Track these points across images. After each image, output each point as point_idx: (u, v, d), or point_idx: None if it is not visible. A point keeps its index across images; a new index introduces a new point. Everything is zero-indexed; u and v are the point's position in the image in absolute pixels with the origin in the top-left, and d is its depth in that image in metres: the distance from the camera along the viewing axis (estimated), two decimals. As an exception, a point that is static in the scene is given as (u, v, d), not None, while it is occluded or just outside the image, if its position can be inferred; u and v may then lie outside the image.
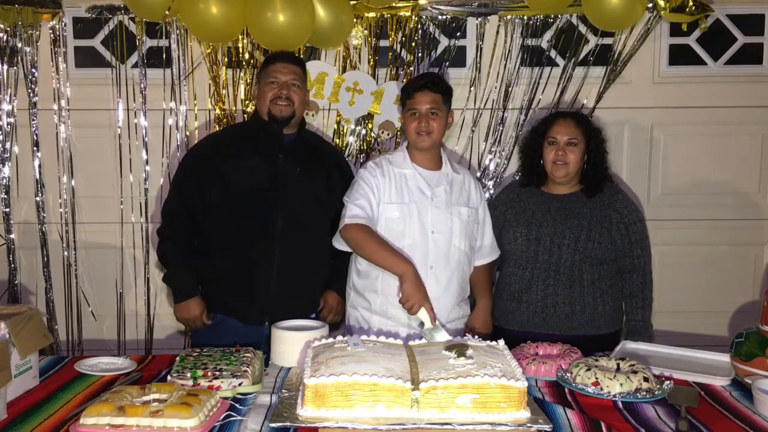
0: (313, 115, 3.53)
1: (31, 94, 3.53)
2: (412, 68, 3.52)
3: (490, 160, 3.59)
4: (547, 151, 2.80)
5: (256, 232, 2.73)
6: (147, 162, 3.58)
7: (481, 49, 3.55)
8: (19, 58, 3.50)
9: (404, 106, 2.73)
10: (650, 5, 3.40)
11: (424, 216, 2.68)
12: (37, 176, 3.59)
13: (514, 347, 2.33)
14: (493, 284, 2.96)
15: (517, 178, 3.10)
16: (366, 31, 3.50)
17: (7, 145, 3.56)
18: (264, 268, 2.74)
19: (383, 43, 3.53)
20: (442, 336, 2.30)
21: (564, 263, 2.75)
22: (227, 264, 2.76)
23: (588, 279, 2.76)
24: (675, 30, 3.58)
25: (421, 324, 2.38)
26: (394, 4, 3.41)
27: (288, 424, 1.77)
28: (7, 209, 3.59)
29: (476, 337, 2.17)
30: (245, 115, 3.48)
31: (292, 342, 2.29)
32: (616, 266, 2.83)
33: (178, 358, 2.17)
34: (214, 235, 2.78)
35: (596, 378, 2.04)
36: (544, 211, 2.81)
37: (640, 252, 2.81)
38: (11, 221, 3.60)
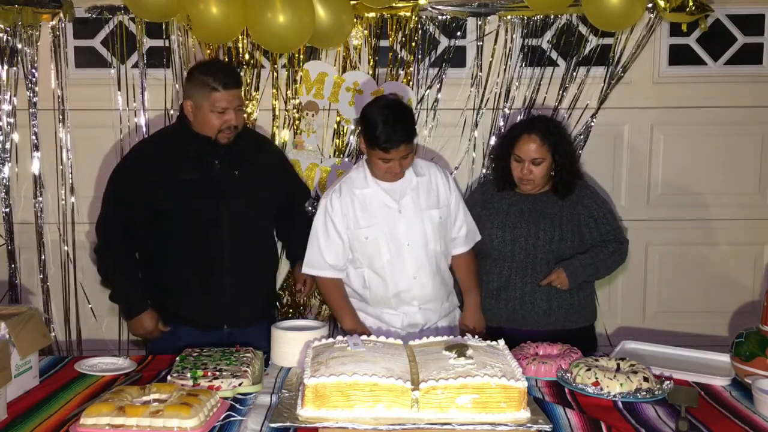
0: (313, 116, 3.53)
1: (31, 94, 3.53)
2: (412, 68, 3.52)
3: (491, 160, 3.59)
4: (514, 166, 2.81)
5: (204, 241, 2.69)
6: (147, 162, 3.58)
7: (481, 49, 3.55)
8: (19, 58, 3.50)
9: (370, 147, 2.58)
10: (650, 5, 3.40)
11: (395, 231, 2.67)
12: (37, 176, 3.59)
13: (514, 347, 2.33)
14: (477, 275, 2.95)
15: (489, 175, 3.09)
16: (366, 31, 3.50)
17: (7, 145, 3.56)
18: (217, 274, 2.70)
19: (383, 43, 3.53)
20: None
21: (540, 262, 2.79)
22: (178, 275, 2.71)
23: None
24: (675, 30, 3.58)
25: None
26: (394, 4, 3.41)
27: (288, 424, 1.77)
28: (7, 209, 3.59)
29: (476, 336, 2.17)
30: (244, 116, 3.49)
31: (292, 342, 2.29)
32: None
33: (178, 358, 2.17)
34: (160, 248, 2.72)
35: (596, 378, 2.04)
36: (517, 212, 2.84)
37: (613, 237, 2.83)
38: (11, 221, 3.60)
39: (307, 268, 2.71)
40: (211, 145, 2.68)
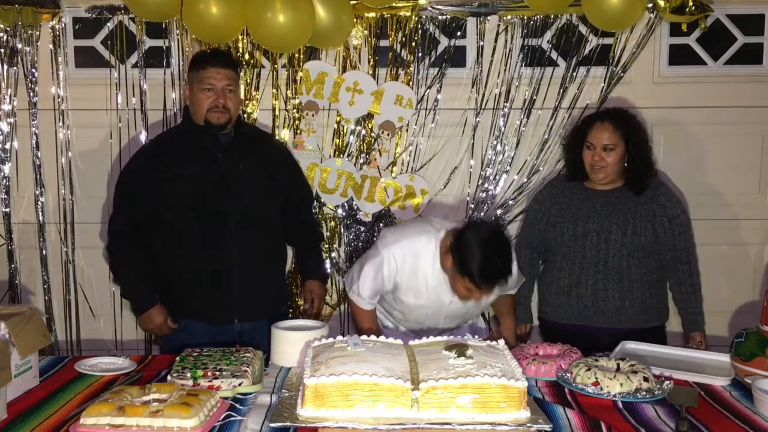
0: (313, 115, 3.53)
1: (31, 94, 3.53)
2: (412, 68, 3.52)
3: (492, 160, 3.59)
4: (586, 154, 2.82)
5: (211, 234, 2.72)
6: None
7: (481, 49, 3.55)
8: (19, 58, 3.50)
9: (460, 274, 2.43)
10: (650, 5, 3.40)
11: (439, 310, 2.66)
12: (37, 176, 3.59)
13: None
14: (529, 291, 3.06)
15: (561, 173, 3.11)
16: (366, 31, 3.50)
17: (7, 145, 3.56)
18: (225, 268, 2.73)
19: (383, 43, 3.53)
20: None
21: (612, 258, 2.79)
22: (187, 270, 2.74)
23: (636, 273, 2.81)
24: (675, 30, 3.58)
25: None
26: (394, 4, 3.40)
27: (288, 424, 1.77)
28: (7, 209, 3.59)
29: (476, 336, 2.17)
30: (244, 115, 3.49)
31: (292, 342, 2.29)
32: (662, 259, 2.86)
33: (178, 358, 2.17)
34: (169, 244, 2.75)
35: (596, 378, 2.04)
36: (589, 207, 2.84)
37: (684, 244, 2.85)
38: (11, 221, 3.60)
39: (351, 294, 2.72)
40: (214, 138, 2.72)
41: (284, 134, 3.55)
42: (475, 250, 2.38)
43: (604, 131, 2.77)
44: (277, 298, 2.96)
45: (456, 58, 3.59)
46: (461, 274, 2.42)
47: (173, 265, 2.76)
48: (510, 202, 3.62)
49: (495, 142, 3.58)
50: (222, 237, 2.72)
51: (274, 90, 3.53)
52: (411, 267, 2.59)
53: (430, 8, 3.48)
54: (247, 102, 3.49)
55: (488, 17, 3.51)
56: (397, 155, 3.59)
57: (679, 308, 2.91)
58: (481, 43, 3.55)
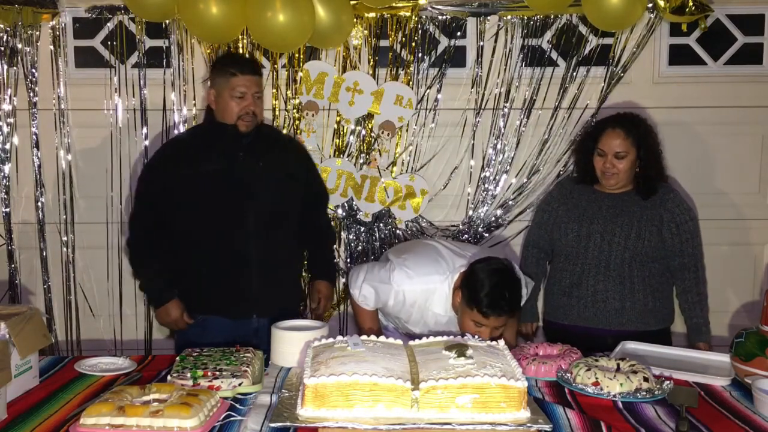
0: (313, 116, 3.53)
1: (31, 94, 3.53)
2: (412, 68, 3.52)
3: (491, 160, 3.59)
4: (597, 161, 2.82)
5: (230, 231, 2.75)
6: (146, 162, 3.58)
7: (481, 49, 3.55)
8: (19, 58, 3.50)
9: (467, 306, 2.41)
10: (650, 5, 3.40)
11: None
12: (37, 176, 3.59)
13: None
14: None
15: (571, 175, 3.12)
16: (366, 31, 3.50)
17: (7, 145, 3.56)
18: (243, 265, 2.76)
19: (383, 43, 3.53)
20: None
21: (614, 260, 2.79)
22: (206, 266, 2.77)
23: (638, 276, 2.80)
24: (675, 30, 3.58)
25: None
26: (394, 4, 3.41)
27: (288, 424, 1.77)
28: (7, 209, 3.59)
29: (476, 336, 2.16)
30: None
31: (292, 342, 2.29)
32: (667, 264, 2.85)
33: (178, 358, 2.17)
34: (188, 239, 2.79)
35: (596, 378, 2.04)
36: (595, 208, 2.84)
37: (691, 250, 2.84)
38: (11, 221, 3.60)
39: (353, 293, 2.73)
40: (235, 137, 2.76)
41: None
42: (483, 280, 2.40)
43: (615, 138, 2.76)
44: (295, 295, 3.01)
45: (456, 58, 3.59)
46: (469, 305, 2.41)
47: (192, 261, 2.79)
48: (510, 202, 3.62)
49: (495, 142, 3.58)
50: (241, 235, 2.75)
51: (274, 90, 3.53)
52: (420, 305, 2.61)
53: (430, 8, 3.48)
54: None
55: (488, 17, 3.51)
56: (397, 155, 3.59)
57: (684, 317, 2.91)
58: (481, 43, 3.55)
